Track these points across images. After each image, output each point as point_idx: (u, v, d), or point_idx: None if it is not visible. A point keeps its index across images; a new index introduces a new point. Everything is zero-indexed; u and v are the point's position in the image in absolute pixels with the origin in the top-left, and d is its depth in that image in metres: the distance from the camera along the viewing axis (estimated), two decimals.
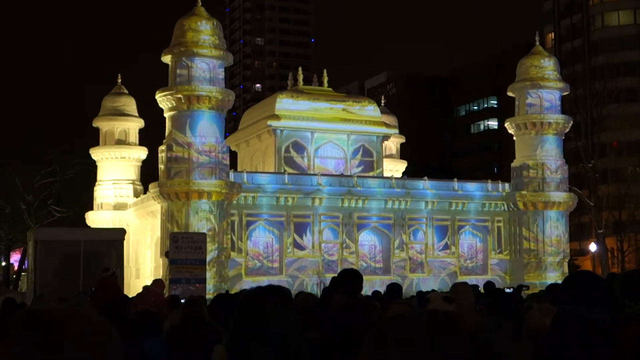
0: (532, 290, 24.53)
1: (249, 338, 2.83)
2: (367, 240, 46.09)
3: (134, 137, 49.34)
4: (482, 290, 16.42)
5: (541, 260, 46.59)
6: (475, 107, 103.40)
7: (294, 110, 47.82)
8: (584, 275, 3.64)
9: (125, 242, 30.55)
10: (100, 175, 49.10)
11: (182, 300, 13.09)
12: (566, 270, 46.80)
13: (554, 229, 46.94)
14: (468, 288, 7.64)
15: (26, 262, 52.13)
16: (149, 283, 19.74)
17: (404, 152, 58.60)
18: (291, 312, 2.93)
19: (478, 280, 36.16)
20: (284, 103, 48.11)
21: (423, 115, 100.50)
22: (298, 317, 2.96)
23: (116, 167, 48.44)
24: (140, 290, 18.20)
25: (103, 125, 49.14)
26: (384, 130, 50.10)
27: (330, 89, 52.06)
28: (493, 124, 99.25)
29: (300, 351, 2.85)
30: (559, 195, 47.02)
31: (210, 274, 35.85)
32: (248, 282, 38.24)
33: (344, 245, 44.42)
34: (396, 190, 45.55)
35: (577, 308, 3.30)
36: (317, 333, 5.90)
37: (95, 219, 47.99)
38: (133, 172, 49.07)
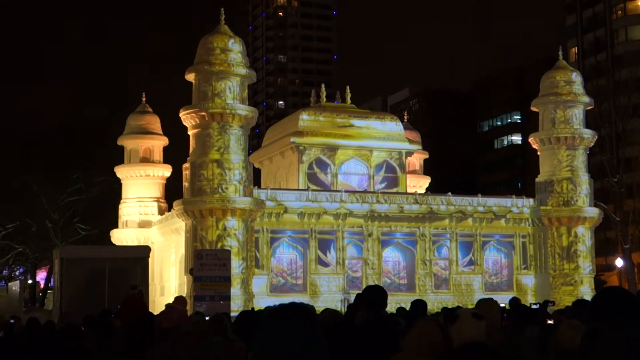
0: (558, 306, 24.28)
1: (274, 355, 2.82)
2: (391, 256, 45.91)
3: (158, 155, 49.60)
4: (507, 307, 16.26)
5: (567, 276, 46.09)
6: (499, 122, 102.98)
7: (317, 127, 47.85)
8: (614, 291, 3.60)
9: (150, 259, 30.65)
10: (125, 193, 49.37)
11: (207, 317, 13.09)
12: (593, 286, 46.28)
13: (580, 245, 46.45)
14: (494, 304, 7.59)
15: (52, 280, 52.54)
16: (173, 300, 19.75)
17: (427, 168, 58.41)
18: (316, 329, 2.92)
19: (503, 296, 35.88)
20: (307, 120, 48.16)
21: (446, 131, 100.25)
22: (323, 334, 2.95)
23: (141, 185, 48.69)
24: (164, 308, 18.21)
25: (128, 143, 49.46)
26: (407, 146, 49.98)
27: (353, 105, 52.06)
28: (517, 139, 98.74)
29: None
30: (585, 211, 46.56)
31: (235, 291, 35.84)
32: (273, 300, 38.18)
33: (368, 262, 44.27)
34: (420, 206, 45.37)
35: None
36: (341, 349, 5.87)
37: (120, 236, 48.25)
38: (157, 190, 49.30)
